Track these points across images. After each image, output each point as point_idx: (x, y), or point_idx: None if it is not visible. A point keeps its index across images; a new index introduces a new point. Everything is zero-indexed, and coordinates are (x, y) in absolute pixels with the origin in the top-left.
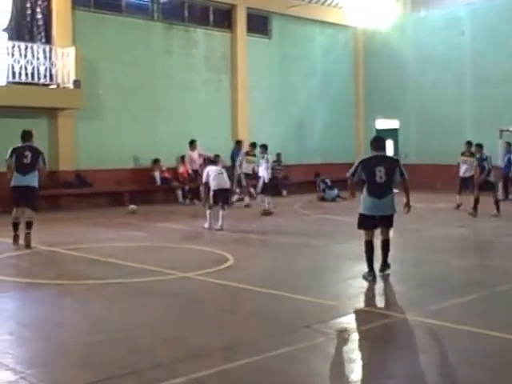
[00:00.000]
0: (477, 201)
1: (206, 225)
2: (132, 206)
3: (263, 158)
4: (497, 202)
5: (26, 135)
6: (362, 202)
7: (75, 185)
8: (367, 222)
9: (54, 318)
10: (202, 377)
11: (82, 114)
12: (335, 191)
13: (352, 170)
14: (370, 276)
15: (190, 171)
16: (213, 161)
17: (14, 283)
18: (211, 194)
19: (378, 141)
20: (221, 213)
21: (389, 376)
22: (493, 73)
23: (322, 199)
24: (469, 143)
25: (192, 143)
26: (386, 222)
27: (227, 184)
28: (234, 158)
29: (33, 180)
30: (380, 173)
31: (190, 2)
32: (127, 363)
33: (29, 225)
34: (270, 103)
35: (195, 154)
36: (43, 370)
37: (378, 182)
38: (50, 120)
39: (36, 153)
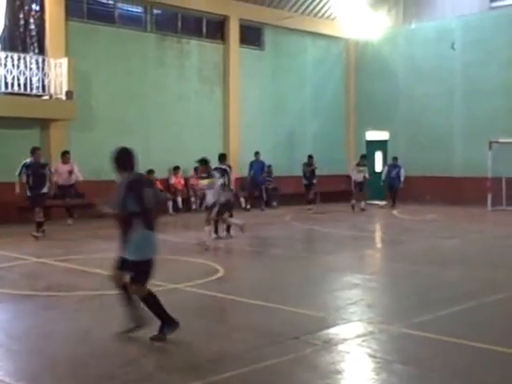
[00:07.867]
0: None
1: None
2: None
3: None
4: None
5: None
6: None
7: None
8: None
9: (42, 330)
10: None
11: (74, 124)
12: None
13: None
14: None
15: (60, 182)
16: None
17: (3, 295)
18: None
19: None
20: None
21: None
22: (483, 85)
23: None
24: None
25: (64, 155)
26: None
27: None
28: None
29: None
30: None
31: (183, 14)
32: (115, 374)
33: None
34: (262, 114)
35: (63, 168)
36: (32, 382)
37: None
38: (42, 131)
39: None
